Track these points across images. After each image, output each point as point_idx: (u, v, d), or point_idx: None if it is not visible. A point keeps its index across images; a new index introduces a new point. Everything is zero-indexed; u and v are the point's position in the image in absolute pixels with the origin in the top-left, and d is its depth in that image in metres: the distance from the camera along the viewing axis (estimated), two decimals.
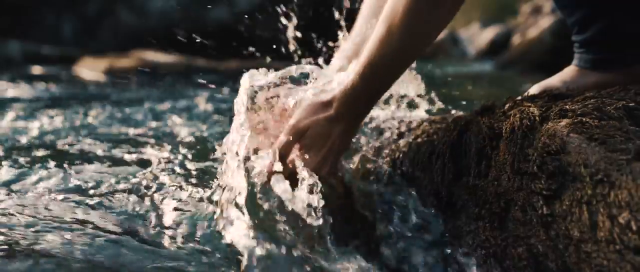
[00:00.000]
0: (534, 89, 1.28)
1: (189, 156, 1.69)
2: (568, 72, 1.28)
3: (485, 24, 14.33)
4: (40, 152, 1.77)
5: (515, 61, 5.97)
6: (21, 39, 6.44)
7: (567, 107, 1.00)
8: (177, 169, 1.56)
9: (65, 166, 1.57)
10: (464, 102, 2.29)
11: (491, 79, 4.09)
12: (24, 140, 1.98)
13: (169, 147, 1.81)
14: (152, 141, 1.91)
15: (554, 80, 1.28)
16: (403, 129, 1.40)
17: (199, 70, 4.00)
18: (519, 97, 1.21)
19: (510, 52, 6.66)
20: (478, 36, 13.26)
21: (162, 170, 1.53)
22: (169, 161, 1.63)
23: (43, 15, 7.08)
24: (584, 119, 0.95)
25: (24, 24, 6.95)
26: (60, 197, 1.33)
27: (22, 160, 1.66)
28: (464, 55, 12.85)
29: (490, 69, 5.71)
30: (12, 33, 6.67)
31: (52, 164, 1.59)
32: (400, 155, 1.24)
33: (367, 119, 1.50)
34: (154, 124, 2.21)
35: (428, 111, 1.80)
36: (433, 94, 2.08)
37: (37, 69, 4.94)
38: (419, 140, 1.26)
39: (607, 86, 1.21)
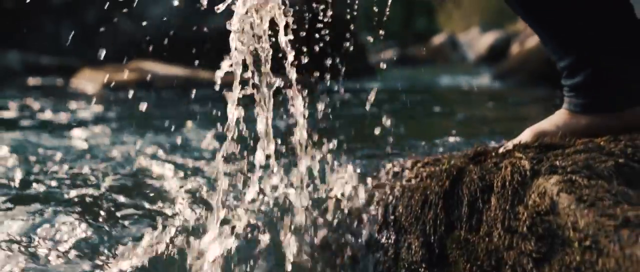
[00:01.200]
0: (526, 134, 1.29)
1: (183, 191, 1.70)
2: (560, 116, 1.30)
3: (485, 29, 14.35)
4: (35, 178, 1.78)
5: (514, 70, 5.97)
6: (20, 46, 6.44)
7: (557, 163, 1.01)
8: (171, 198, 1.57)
9: (57, 193, 1.58)
10: (461, 127, 2.30)
11: (490, 95, 4.08)
12: (18, 162, 1.99)
13: (164, 178, 1.82)
14: (147, 168, 1.91)
15: (546, 125, 1.29)
16: (397, 169, 1.41)
17: (197, 84, 4.00)
18: (511, 145, 1.22)
19: (509, 61, 6.66)
20: (477, 41, 13.27)
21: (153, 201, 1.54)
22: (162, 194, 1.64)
23: (42, 23, 7.09)
24: (573, 177, 0.96)
25: (23, 31, 6.97)
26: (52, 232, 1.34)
27: (14, 183, 1.67)
28: (463, 60, 12.86)
29: (488, 81, 5.69)
30: (11, 40, 6.68)
31: (44, 192, 1.59)
32: (394, 200, 1.25)
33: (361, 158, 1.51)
34: (149, 148, 2.21)
35: (420, 145, 1.81)
36: (429, 117, 2.08)
37: (36, 81, 4.96)
38: (413, 182, 1.27)
39: (598, 130, 1.22)
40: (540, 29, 1.27)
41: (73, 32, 5.53)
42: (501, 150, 1.25)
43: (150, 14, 7.05)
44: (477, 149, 1.25)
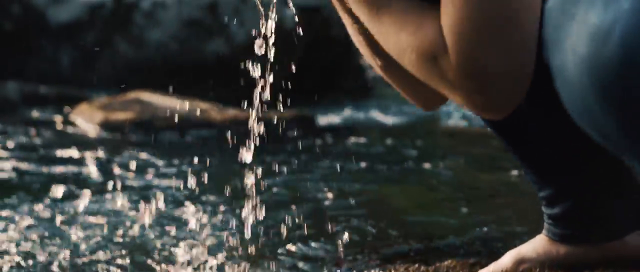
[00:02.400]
0: (507, 259, 1.33)
1: None
2: (540, 243, 1.34)
3: None
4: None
5: None
6: (19, 72, 6.47)
7: None
8: None
9: None
10: (454, 203, 2.31)
11: (485, 142, 4.04)
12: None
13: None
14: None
15: (527, 251, 1.34)
16: None
17: (196, 124, 4.03)
18: None
19: None
20: None
21: None
22: None
23: (41, 47, 7.13)
24: None
25: (22, 55, 7.00)
26: None
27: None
28: None
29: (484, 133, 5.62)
30: (10, 64, 6.71)
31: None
32: None
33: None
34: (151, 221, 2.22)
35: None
36: (419, 186, 2.06)
37: (34, 115, 4.98)
38: None
39: (577, 260, 1.27)
40: (519, 160, 1.31)
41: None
42: None
43: (149, 38, 7.08)
44: None
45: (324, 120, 4.81)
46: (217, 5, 6.87)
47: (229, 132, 3.77)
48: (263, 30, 1.61)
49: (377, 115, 5.74)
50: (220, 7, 6.89)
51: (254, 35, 1.62)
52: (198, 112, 4.51)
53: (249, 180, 1.93)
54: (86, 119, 4.46)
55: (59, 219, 2.22)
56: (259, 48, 1.61)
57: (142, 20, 7.25)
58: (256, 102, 1.74)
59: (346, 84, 7.30)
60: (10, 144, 3.59)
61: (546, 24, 0.75)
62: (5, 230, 2.11)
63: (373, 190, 2.53)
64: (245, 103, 1.77)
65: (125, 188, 2.64)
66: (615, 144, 0.73)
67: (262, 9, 1.55)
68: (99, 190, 2.60)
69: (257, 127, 1.80)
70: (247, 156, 1.84)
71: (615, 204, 1.24)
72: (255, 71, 1.66)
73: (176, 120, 4.29)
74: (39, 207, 2.36)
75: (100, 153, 3.29)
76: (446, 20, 1.02)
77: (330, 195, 2.43)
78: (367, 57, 1.27)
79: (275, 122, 3.13)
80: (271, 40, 1.59)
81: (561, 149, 1.22)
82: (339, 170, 2.85)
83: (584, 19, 0.68)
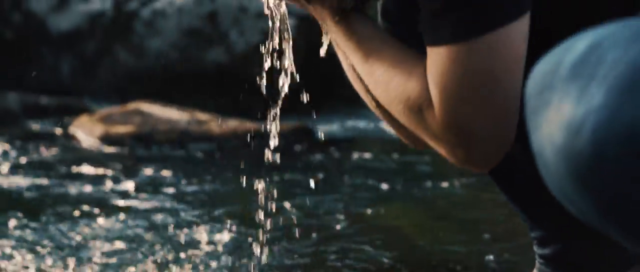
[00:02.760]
0: None
1: None
2: None
3: None
4: None
5: None
6: (18, 81, 6.46)
7: None
8: None
9: None
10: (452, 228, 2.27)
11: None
12: None
13: None
14: None
15: None
16: None
17: (197, 137, 3.99)
18: None
19: None
20: None
21: None
22: None
23: (41, 56, 7.10)
24: None
25: (22, 64, 6.98)
26: None
27: None
28: None
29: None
30: (10, 72, 6.69)
31: None
32: None
33: None
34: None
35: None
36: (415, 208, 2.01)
37: (35, 126, 4.96)
38: None
39: None
40: (509, 201, 1.33)
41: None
42: None
43: (149, 46, 7.05)
44: None
45: (325, 130, 4.78)
46: (216, 15, 6.84)
47: (230, 147, 3.73)
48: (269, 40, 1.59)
49: (378, 123, 5.72)
50: (220, 16, 6.87)
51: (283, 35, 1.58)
52: (198, 125, 4.48)
53: (255, 203, 1.89)
54: (86, 132, 4.43)
55: (65, 240, 2.22)
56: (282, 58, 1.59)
57: (142, 29, 7.21)
58: (270, 121, 1.70)
59: (345, 92, 7.28)
60: (14, 161, 3.56)
61: (525, 106, 0.75)
62: (12, 249, 2.09)
63: (383, 212, 2.49)
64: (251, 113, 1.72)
65: (130, 209, 2.61)
66: (599, 227, 0.73)
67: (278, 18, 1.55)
68: (105, 211, 2.57)
69: (267, 152, 1.76)
70: (252, 176, 1.80)
71: (606, 246, 1.21)
72: (280, 81, 1.63)
73: (176, 134, 4.26)
74: (46, 227, 2.34)
75: (102, 170, 3.26)
76: (431, 77, 1.09)
77: (339, 217, 2.40)
78: (361, 93, 1.34)
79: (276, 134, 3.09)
80: (288, 53, 1.57)
81: (549, 194, 1.20)
82: (347, 190, 2.82)
83: (558, 108, 0.68)
